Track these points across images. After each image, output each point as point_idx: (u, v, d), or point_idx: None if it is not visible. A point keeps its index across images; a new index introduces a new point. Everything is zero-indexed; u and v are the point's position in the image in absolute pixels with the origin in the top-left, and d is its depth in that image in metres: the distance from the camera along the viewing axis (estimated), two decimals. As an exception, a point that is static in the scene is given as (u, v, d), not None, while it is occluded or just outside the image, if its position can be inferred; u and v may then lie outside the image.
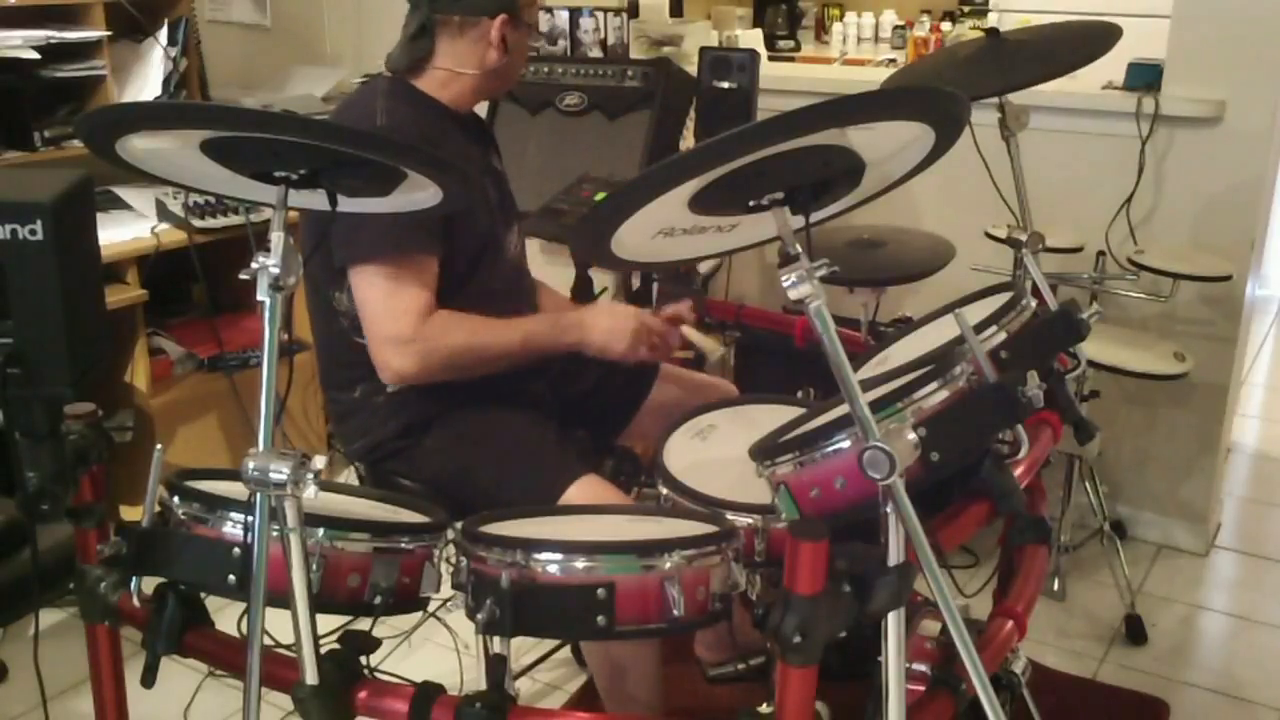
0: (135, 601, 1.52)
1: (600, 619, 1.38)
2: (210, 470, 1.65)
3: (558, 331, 1.93)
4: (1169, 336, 2.88)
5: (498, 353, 1.88)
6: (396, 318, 1.81)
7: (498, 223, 2.02)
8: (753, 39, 3.74)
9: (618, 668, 1.88)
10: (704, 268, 3.01)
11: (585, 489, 1.85)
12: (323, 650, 1.35)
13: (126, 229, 2.88)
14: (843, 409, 1.39)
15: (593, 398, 2.16)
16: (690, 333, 2.03)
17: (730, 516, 1.58)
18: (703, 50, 2.90)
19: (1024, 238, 2.08)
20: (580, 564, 1.38)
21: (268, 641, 1.33)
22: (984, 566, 2.66)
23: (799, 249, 1.26)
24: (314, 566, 1.40)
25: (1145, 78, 2.86)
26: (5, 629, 2.55)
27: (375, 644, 1.46)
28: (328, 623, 1.41)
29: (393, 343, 1.82)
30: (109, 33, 2.94)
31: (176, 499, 1.49)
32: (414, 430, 1.96)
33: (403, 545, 1.50)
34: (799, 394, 2.11)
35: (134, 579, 1.51)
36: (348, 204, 1.45)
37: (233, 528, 1.45)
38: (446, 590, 1.48)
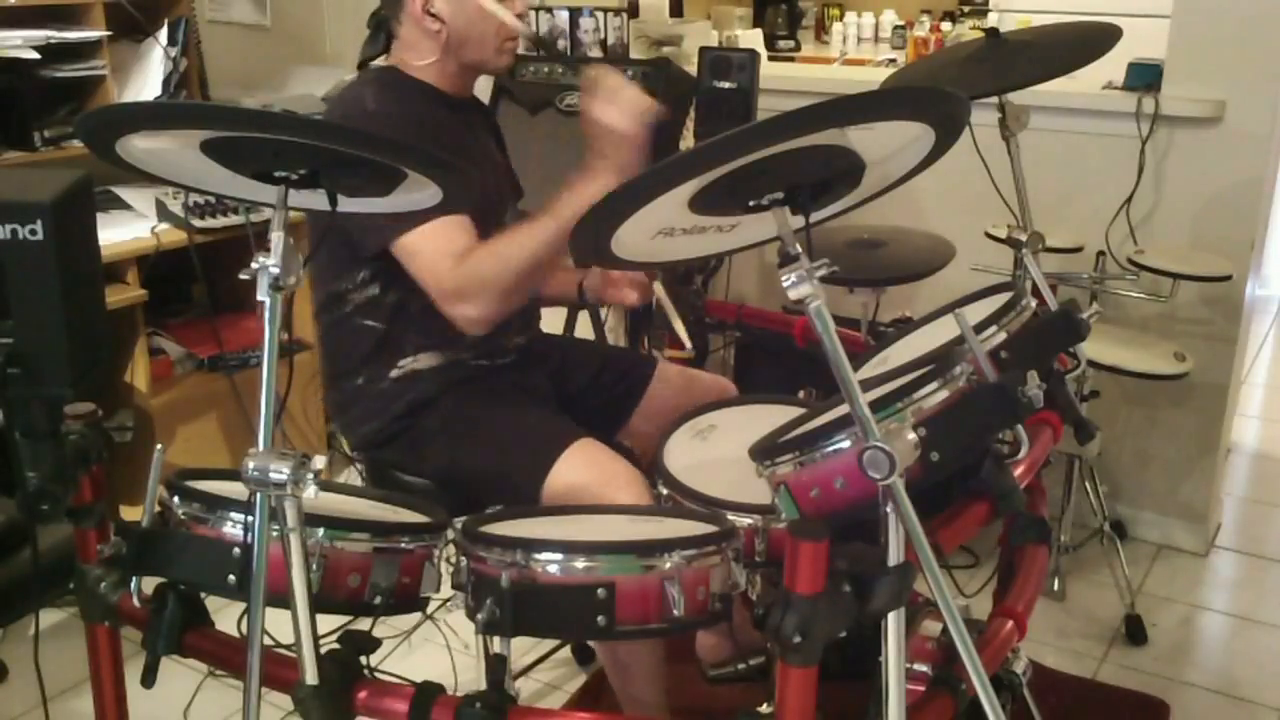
0: (135, 601, 1.52)
1: (600, 619, 1.38)
2: (210, 470, 1.65)
3: (578, 192, 1.74)
4: (1169, 336, 2.87)
5: (539, 252, 1.76)
6: (436, 277, 1.79)
7: (487, 211, 2.02)
8: (753, 39, 3.74)
9: (622, 667, 1.88)
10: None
11: (582, 451, 1.85)
12: (323, 650, 1.35)
13: (126, 229, 2.88)
14: (843, 409, 1.39)
15: (589, 394, 2.16)
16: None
17: (730, 516, 1.58)
18: (703, 50, 2.90)
19: (1024, 238, 2.08)
20: (580, 564, 1.39)
21: (268, 641, 1.33)
22: (984, 566, 2.66)
23: (799, 249, 1.26)
24: (314, 566, 1.40)
25: (1145, 78, 2.86)
26: (5, 629, 2.55)
27: (375, 644, 1.46)
28: (328, 623, 1.41)
29: (444, 300, 1.79)
30: (109, 33, 2.94)
31: (176, 499, 1.49)
32: (417, 409, 1.96)
33: (403, 545, 1.50)
34: (799, 394, 2.11)
35: (134, 579, 1.52)
36: (348, 204, 1.45)
37: (233, 528, 1.44)
38: (446, 590, 1.48)
